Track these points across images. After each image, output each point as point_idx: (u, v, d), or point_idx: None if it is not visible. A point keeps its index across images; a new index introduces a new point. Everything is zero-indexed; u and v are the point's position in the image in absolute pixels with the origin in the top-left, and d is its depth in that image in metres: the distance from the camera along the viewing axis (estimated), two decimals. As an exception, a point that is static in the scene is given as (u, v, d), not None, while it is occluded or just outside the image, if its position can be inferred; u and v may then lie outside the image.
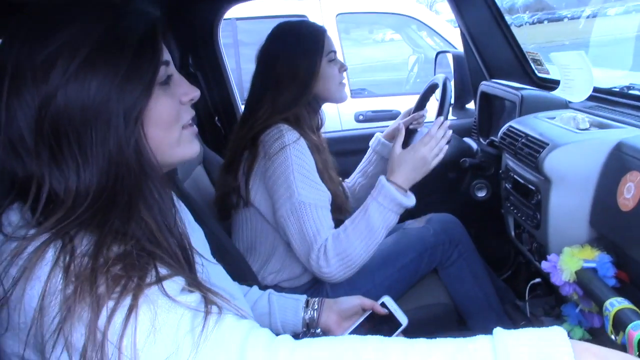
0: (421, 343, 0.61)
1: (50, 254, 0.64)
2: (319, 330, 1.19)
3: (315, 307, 1.19)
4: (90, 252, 0.65)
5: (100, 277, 0.63)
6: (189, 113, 0.82)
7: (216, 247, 1.53)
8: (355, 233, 1.43)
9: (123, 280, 0.64)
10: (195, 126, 0.83)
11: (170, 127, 0.78)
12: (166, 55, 0.77)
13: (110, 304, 0.62)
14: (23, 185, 0.70)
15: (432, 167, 1.47)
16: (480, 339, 0.59)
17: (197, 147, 0.83)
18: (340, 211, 1.62)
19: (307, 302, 1.21)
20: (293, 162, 1.46)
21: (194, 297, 0.67)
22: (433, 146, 1.47)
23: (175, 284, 0.67)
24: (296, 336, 1.19)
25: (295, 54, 1.57)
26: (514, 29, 2.01)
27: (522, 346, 0.56)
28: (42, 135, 0.68)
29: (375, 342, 0.63)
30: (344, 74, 1.68)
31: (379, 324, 1.17)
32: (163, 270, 0.68)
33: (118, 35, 0.72)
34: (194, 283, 0.70)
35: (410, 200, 1.46)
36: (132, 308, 0.62)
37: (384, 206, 1.43)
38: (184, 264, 0.74)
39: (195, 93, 0.81)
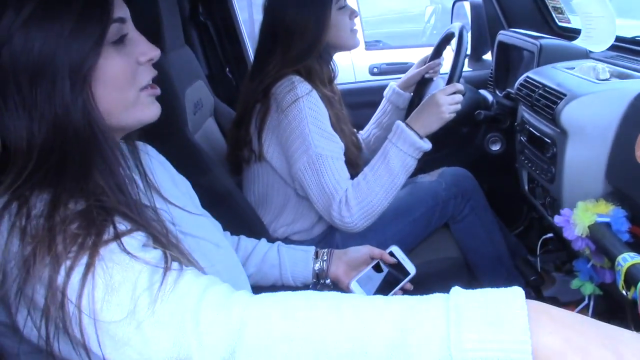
0: (377, 300, 0.60)
1: (6, 219, 0.64)
2: (328, 281, 1.19)
3: (325, 258, 1.19)
4: (45, 213, 0.64)
5: (58, 236, 0.63)
6: (148, 74, 0.78)
7: (225, 200, 1.54)
8: (376, 179, 1.41)
9: (80, 238, 0.63)
10: (157, 88, 0.80)
11: (123, 88, 0.74)
12: (121, 12, 0.73)
13: (68, 262, 0.62)
14: None
15: (448, 118, 1.44)
16: (434, 298, 0.58)
17: (157, 110, 0.80)
18: (352, 165, 1.59)
19: (316, 253, 1.21)
20: (307, 114, 1.44)
21: (154, 253, 0.66)
22: (451, 98, 1.44)
23: (134, 240, 0.66)
24: (306, 287, 1.20)
25: (304, 4, 1.52)
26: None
27: (475, 308, 0.54)
28: None
29: (330, 298, 0.62)
30: (357, 23, 1.64)
31: (387, 274, 1.17)
32: (123, 226, 0.67)
33: None
34: (155, 239, 0.69)
35: (428, 144, 1.44)
36: (89, 266, 0.61)
37: (403, 151, 1.41)
38: (145, 220, 0.72)
39: (154, 52, 0.78)
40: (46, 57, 0.67)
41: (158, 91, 0.80)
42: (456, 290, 0.58)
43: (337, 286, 1.19)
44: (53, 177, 0.67)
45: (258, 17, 2.11)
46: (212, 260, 0.84)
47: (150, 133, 1.11)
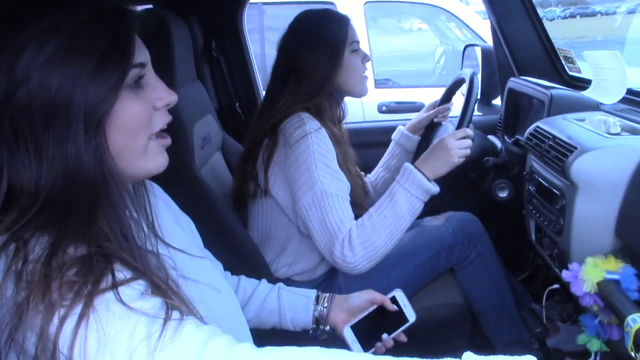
0: None
1: (2, 261, 0.63)
2: (327, 328, 1.17)
3: (325, 305, 1.17)
4: (43, 258, 0.63)
5: (53, 283, 0.61)
6: (163, 119, 0.77)
7: (229, 238, 1.53)
8: (381, 220, 1.40)
9: (76, 286, 0.61)
10: (168, 138, 0.79)
11: (136, 133, 0.73)
12: (142, 57, 0.73)
13: (62, 311, 0.60)
14: None
15: (457, 163, 1.43)
16: None
17: (165, 161, 0.79)
18: (357, 206, 1.58)
19: (317, 298, 1.19)
20: (315, 150, 1.43)
21: (153, 303, 0.65)
22: (461, 142, 1.44)
23: (132, 289, 0.65)
24: (306, 332, 1.18)
25: (318, 44, 1.54)
26: (545, 24, 1.94)
27: None
28: (1, 127, 0.66)
29: (338, 357, 0.61)
30: (368, 64, 1.65)
31: (385, 318, 1.15)
32: (122, 274, 0.66)
33: (88, 32, 0.69)
34: (155, 288, 0.68)
35: (436, 187, 1.43)
36: (82, 315, 0.60)
37: (411, 193, 1.40)
38: (146, 267, 0.70)
39: (171, 98, 0.77)
40: (62, 98, 0.66)
41: (169, 141, 0.79)
42: (468, 356, 0.57)
43: (335, 332, 1.17)
44: (57, 220, 0.66)
45: (270, 51, 2.14)
46: (212, 307, 0.82)
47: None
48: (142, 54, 0.74)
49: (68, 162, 0.66)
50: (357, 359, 0.60)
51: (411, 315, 1.16)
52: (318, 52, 1.53)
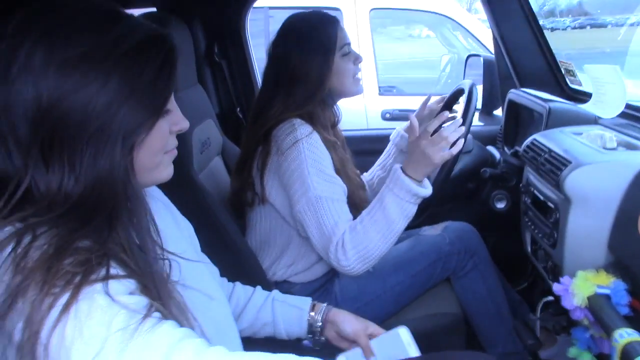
0: None
1: (9, 248, 0.65)
2: (323, 339, 1.17)
3: (319, 319, 1.15)
4: (47, 247, 0.65)
5: (50, 271, 0.63)
6: (174, 142, 0.81)
7: (225, 243, 1.54)
8: (372, 225, 1.39)
9: (69, 275, 0.63)
10: (175, 150, 0.82)
11: (157, 153, 0.77)
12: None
13: (50, 299, 0.62)
14: (1, 176, 0.69)
15: (439, 163, 1.39)
16: None
17: (171, 171, 0.83)
18: (358, 209, 1.58)
19: (312, 307, 1.18)
20: (307, 156, 1.44)
21: (137, 300, 0.67)
22: (441, 147, 1.39)
23: (122, 285, 0.67)
24: (301, 340, 1.18)
25: (308, 50, 1.54)
26: (549, 34, 1.94)
27: None
28: (38, 133, 0.68)
29: None
30: (367, 65, 1.64)
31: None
32: (116, 271, 0.68)
33: (142, 56, 0.71)
34: (146, 289, 0.70)
35: (427, 190, 1.40)
36: (67, 305, 0.62)
37: (400, 197, 1.39)
38: (143, 270, 0.72)
39: (185, 124, 0.81)
40: (106, 116, 0.68)
41: (176, 153, 0.83)
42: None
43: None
44: (77, 223, 0.68)
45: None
46: (202, 313, 0.83)
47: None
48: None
49: (100, 175, 0.69)
50: None
51: (414, 353, 1.04)
52: (309, 58, 1.53)
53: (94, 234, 0.69)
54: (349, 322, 1.12)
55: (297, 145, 1.44)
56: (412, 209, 1.41)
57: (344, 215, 1.43)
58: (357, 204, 1.56)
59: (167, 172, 0.81)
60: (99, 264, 0.66)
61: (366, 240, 1.38)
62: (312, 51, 1.54)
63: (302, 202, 1.44)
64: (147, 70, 0.71)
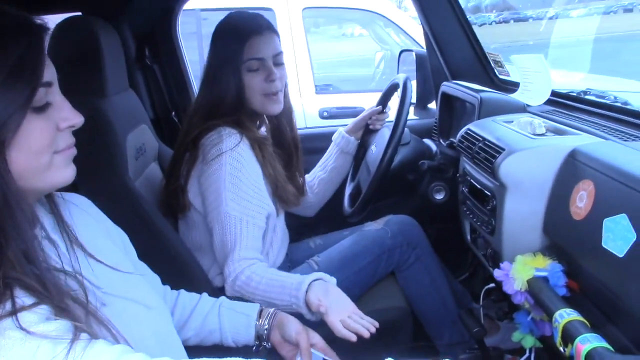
0: None
1: None
2: (269, 345, 1.15)
3: (266, 324, 1.14)
4: None
5: None
6: (67, 139, 0.74)
7: (166, 250, 1.50)
8: (265, 290, 1.37)
9: None
10: (74, 148, 0.76)
11: (39, 153, 0.70)
12: (49, 75, 0.70)
13: None
14: None
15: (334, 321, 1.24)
16: None
17: (72, 172, 0.76)
18: (283, 200, 1.62)
19: (260, 313, 1.17)
20: (227, 171, 1.44)
21: (57, 325, 0.62)
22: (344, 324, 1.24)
23: (34, 314, 0.62)
24: (249, 348, 1.16)
25: (219, 63, 1.54)
26: (477, 29, 2.00)
27: None
28: None
29: None
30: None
31: None
32: (22, 300, 0.62)
33: None
34: (60, 311, 0.65)
35: (311, 316, 1.32)
36: None
37: (292, 302, 1.32)
38: (53, 291, 0.67)
39: (77, 119, 0.74)
40: None
41: (74, 152, 0.76)
42: None
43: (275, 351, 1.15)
44: None
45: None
46: (139, 324, 0.80)
47: (88, 180, 1.07)
48: (49, 72, 0.70)
49: None
50: None
51: None
52: (220, 72, 1.53)
53: None
54: (293, 324, 1.12)
55: (221, 157, 1.44)
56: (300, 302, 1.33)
57: (248, 240, 1.45)
58: (282, 197, 1.61)
59: (63, 175, 0.74)
60: (2, 295, 0.61)
61: (253, 293, 1.38)
62: (222, 64, 1.53)
63: (213, 213, 1.47)
64: (4, 60, 0.64)
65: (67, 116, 0.73)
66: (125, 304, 0.81)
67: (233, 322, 1.14)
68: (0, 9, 0.67)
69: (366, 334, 1.21)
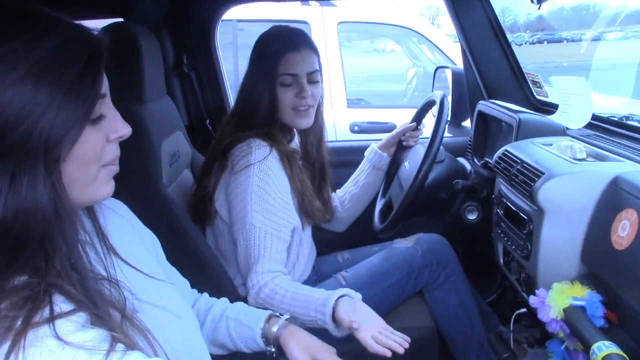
0: None
1: None
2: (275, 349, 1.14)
3: (275, 330, 1.13)
4: None
5: None
6: (114, 151, 0.74)
7: (195, 256, 1.51)
8: (290, 303, 1.37)
9: (8, 321, 0.57)
10: (117, 165, 0.76)
11: (89, 165, 0.70)
12: (104, 88, 0.70)
13: None
14: None
15: (364, 332, 1.25)
16: None
17: (111, 189, 0.76)
18: (308, 216, 1.62)
19: (269, 319, 1.16)
20: (254, 182, 1.45)
21: (94, 334, 0.61)
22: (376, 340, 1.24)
23: (70, 322, 0.61)
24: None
25: (256, 74, 1.57)
26: (514, 48, 1.97)
27: None
28: None
29: None
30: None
31: None
32: (60, 307, 0.61)
33: (59, 60, 0.64)
34: (97, 319, 0.63)
35: (335, 332, 1.32)
36: (10, 353, 0.55)
37: (317, 318, 1.33)
38: (96, 299, 0.66)
39: (126, 130, 0.74)
40: (24, 129, 0.61)
41: (117, 169, 0.76)
42: None
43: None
44: (7, 259, 0.61)
45: (243, 68, 2.13)
46: (170, 333, 0.79)
47: (123, 184, 1.08)
48: (104, 84, 0.70)
49: (23, 195, 0.62)
50: None
51: None
52: (255, 84, 1.55)
53: (30, 266, 0.62)
54: (294, 347, 1.10)
55: (249, 169, 1.45)
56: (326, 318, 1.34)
57: (274, 253, 1.45)
58: (308, 212, 1.61)
59: (105, 190, 0.74)
60: (41, 301, 0.60)
61: (277, 305, 1.38)
62: (258, 77, 1.56)
63: (238, 224, 1.48)
64: (67, 74, 0.64)
65: (117, 127, 0.73)
66: (156, 311, 0.81)
67: (240, 334, 1.14)
68: (63, 21, 0.68)
69: (400, 350, 1.20)
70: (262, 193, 1.46)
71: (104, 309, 0.66)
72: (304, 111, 1.57)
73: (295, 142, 1.71)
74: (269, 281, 1.41)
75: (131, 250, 0.86)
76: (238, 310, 1.18)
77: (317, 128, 1.71)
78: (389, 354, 1.19)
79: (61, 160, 0.65)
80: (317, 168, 1.75)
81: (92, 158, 0.70)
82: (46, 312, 0.59)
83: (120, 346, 0.61)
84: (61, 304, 0.62)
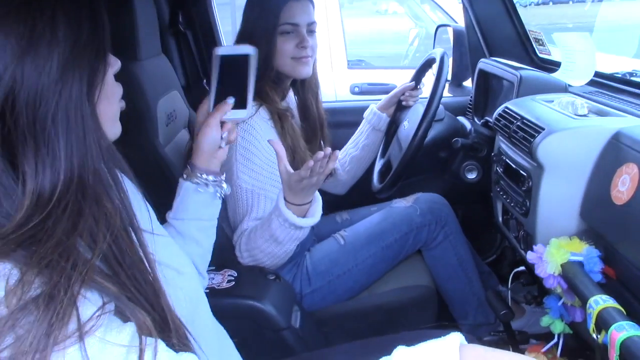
0: None
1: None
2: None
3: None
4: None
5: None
6: (120, 88, 0.74)
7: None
8: (262, 240, 1.41)
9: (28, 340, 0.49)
10: (123, 101, 0.75)
11: (114, 101, 0.70)
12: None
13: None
14: None
15: (316, 184, 1.31)
16: None
17: (119, 129, 0.74)
18: None
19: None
20: (238, 143, 1.44)
21: (128, 331, 0.55)
22: (306, 182, 1.29)
23: (101, 328, 0.53)
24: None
25: (254, 24, 1.53)
26: (519, 10, 1.93)
27: None
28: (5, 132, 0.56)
29: None
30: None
31: None
32: (88, 311, 0.54)
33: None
34: (123, 305, 0.58)
35: (308, 220, 1.36)
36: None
37: (284, 226, 1.36)
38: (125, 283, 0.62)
39: (116, 63, 0.73)
40: (61, 73, 0.58)
41: (124, 104, 0.76)
42: (400, 350, 0.57)
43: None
44: (67, 224, 0.57)
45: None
46: (172, 288, 0.79)
47: (117, 144, 1.07)
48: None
49: (75, 147, 0.59)
50: None
51: None
52: (254, 34, 1.51)
53: (87, 231, 0.58)
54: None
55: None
56: (300, 233, 1.38)
57: (257, 211, 1.47)
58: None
59: (116, 128, 0.73)
60: (66, 308, 0.51)
61: (256, 249, 1.42)
62: (256, 26, 1.52)
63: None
64: (85, 11, 0.63)
65: (111, 62, 0.71)
66: (160, 267, 0.80)
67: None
68: None
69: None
70: (247, 153, 1.45)
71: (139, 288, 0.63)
72: (305, 59, 1.56)
73: (287, 102, 1.68)
74: (245, 231, 1.44)
75: (138, 212, 0.84)
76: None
77: (314, 82, 1.69)
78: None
79: (97, 99, 0.64)
80: (316, 126, 1.72)
81: (115, 93, 0.71)
82: (73, 324, 0.52)
83: (149, 340, 0.57)
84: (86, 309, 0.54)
